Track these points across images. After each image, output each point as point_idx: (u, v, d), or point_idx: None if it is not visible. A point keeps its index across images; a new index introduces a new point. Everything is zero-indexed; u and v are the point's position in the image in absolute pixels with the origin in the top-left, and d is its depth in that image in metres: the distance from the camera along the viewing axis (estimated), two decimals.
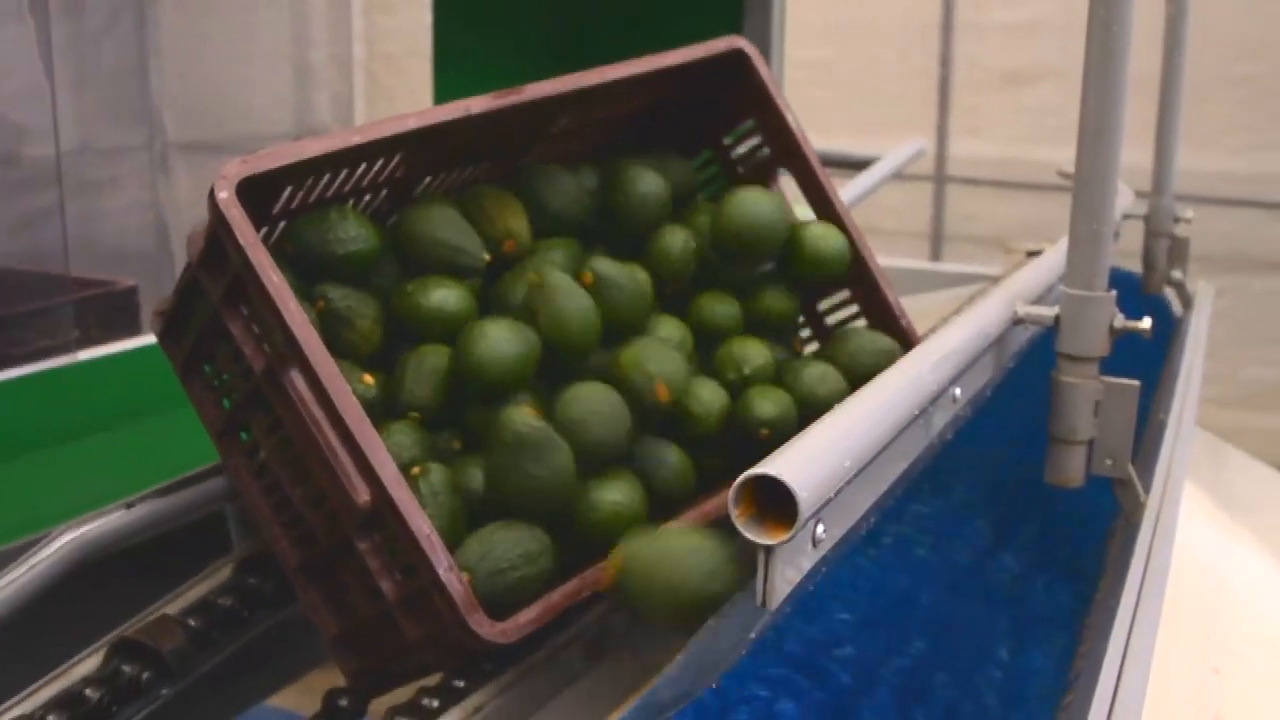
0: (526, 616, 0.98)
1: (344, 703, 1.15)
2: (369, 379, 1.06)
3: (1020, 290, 1.13)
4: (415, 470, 1.00)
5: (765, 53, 2.04)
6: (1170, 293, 2.00)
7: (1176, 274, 1.95)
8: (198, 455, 1.31)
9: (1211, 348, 4.21)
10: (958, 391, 0.94)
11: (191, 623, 1.17)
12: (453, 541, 0.98)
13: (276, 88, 4.23)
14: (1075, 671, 0.90)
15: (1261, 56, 4.03)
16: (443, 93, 2.01)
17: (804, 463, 0.63)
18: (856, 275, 1.28)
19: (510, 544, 0.99)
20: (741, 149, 1.34)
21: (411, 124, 1.03)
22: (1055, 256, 1.24)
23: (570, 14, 2.13)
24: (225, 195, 0.94)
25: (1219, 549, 2.01)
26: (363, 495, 0.96)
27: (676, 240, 1.21)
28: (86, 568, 1.14)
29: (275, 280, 0.94)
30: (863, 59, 4.24)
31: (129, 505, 1.18)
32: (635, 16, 2.10)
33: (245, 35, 4.12)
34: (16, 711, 1.03)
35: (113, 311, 3.51)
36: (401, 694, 1.10)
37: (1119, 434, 1.07)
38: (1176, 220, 1.94)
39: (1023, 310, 1.08)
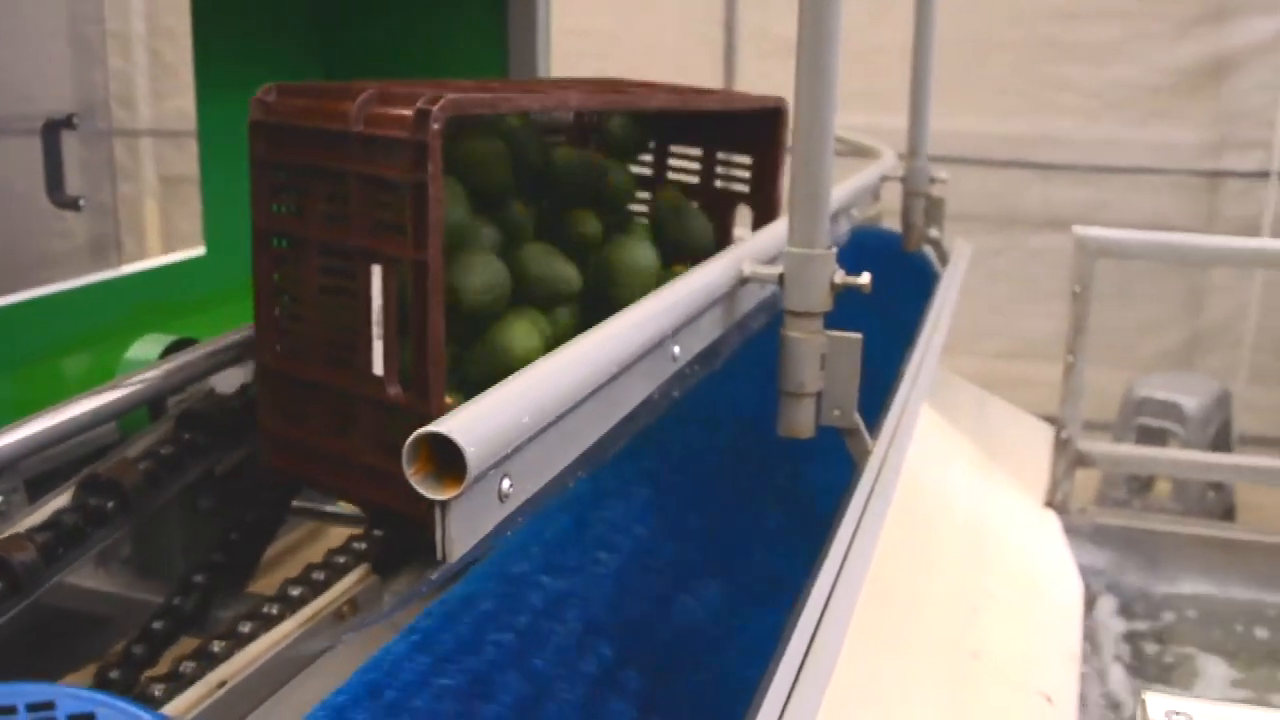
0: None
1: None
2: None
3: (751, 251, 1.17)
4: (449, 400, 1.12)
5: (531, 22, 2.06)
6: (930, 250, 2.08)
7: (934, 232, 2.02)
8: None
9: (992, 303, 4.40)
10: (677, 349, 0.97)
11: None
12: None
13: (53, 65, 4.07)
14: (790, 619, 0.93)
15: (1030, 22, 4.20)
16: (203, 72, 1.97)
17: (477, 419, 0.64)
18: None
19: None
20: (729, 170, 1.59)
21: (573, 100, 1.30)
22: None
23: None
24: (437, 127, 1.05)
25: (980, 495, 2.10)
26: (395, 390, 1.12)
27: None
28: None
29: (438, 214, 1.06)
30: (647, 27, 4.29)
31: None
32: None
33: (16, 9, 3.95)
34: None
35: None
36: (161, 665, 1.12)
37: (844, 386, 1.11)
38: (932, 181, 2.01)
39: (749, 269, 1.12)
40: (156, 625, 1.27)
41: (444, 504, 0.63)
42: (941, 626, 1.71)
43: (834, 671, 0.80)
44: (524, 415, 0.67)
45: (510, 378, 0.71)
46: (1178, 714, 0.65)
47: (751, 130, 1.55)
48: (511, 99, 1.17)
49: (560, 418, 0.73)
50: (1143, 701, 0.65)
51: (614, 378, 0.82)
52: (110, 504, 1.26)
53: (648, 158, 1.66)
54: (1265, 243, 3.03)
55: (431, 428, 0.62)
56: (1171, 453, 2.95)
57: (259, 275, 1.23)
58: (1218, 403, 3.63)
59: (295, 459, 1.25)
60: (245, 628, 1.12)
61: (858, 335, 1.10)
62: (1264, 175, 4.22)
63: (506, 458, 0.66)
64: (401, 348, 1.13)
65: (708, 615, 1.01)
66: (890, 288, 1.91)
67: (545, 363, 0.74)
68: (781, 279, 1.09)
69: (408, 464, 0.62)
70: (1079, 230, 2.11)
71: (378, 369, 1.13)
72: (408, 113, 1.07)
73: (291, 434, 1.24)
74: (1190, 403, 3.53)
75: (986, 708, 1.58)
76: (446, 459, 0.63)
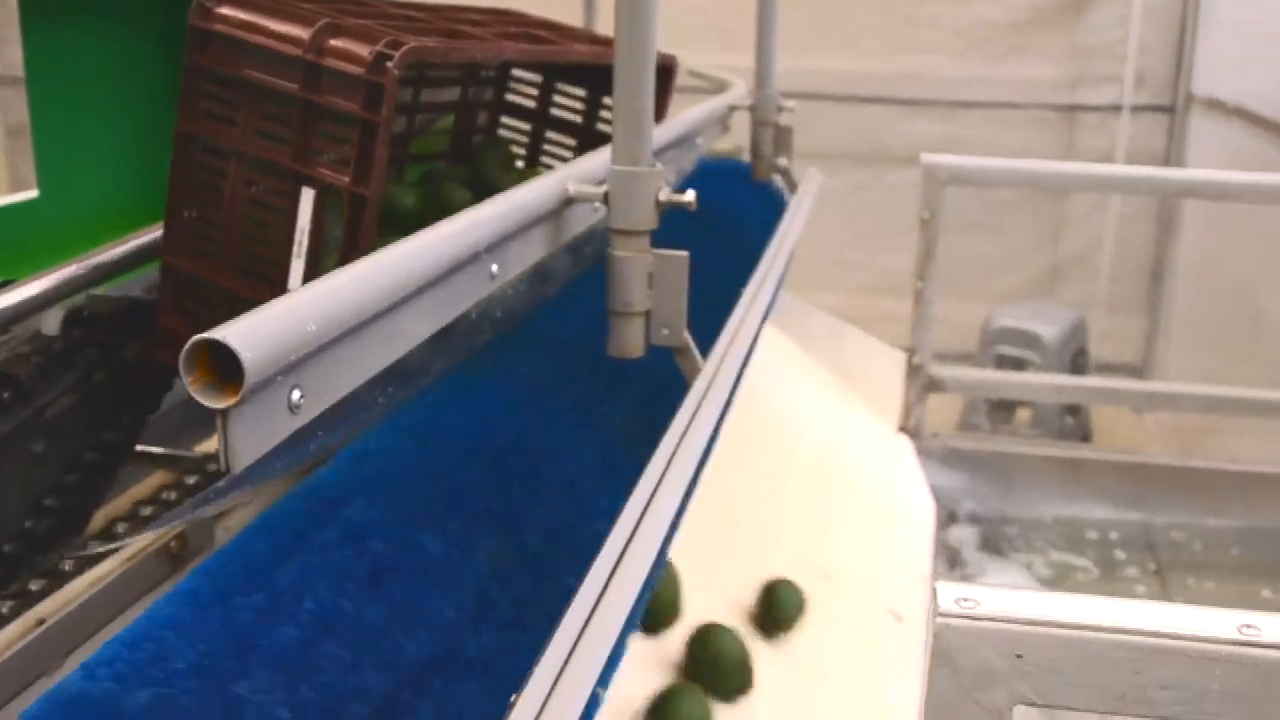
0: None
1: None
2: None
3: (578, 171, 1.16)
4: None
5: None
6: (780, 179, 2.09)
7: (782, 161, 2.03)
8: None
9: (855, 239, 4.45)
10: (495, 267, 0.96)
11: None
12: None
13: None
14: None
15: None
16: (27, 4, 1.90)
17: (258, 326, 0.63)
18: None
19: None
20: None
21: (509, 52, 1.37)
22: None
23: None
24: (397, 73, 1.10)
25: (834, 421, 2.13)
26: None
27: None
28: None
29: (381, 155, 1.11)
30: None
31: None
32: None
33: None
34: None
35: None
36: None
37: (672, 304, 1.11)
38: (780, 109, 2.02)
39: (574, 188, 1.11)
40: None
41: (223, 413, 0.61)
42: (793, 548, 1.73)
43: (642, 584, 0.80)
44: (310, 323, 0.65)
45: (304, 286, 0.70)
46: (965, 599, 0.67)
47: None
48: (460, 49, 1.25)
49: (359, 328, 0.72)
50: (934, 590, 0.67)
51: (421, 291, 0.81)
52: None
53: (534, 92, 1.72)
54: (1098, 168, 3.11)
55: (207, 334, 0.61)
56: (1019, 376, 3.02)
57: (175, 176, 1.26)
58: (1074, 331, 3.73)
59: (169, 348, 1.26)
60: (67, 565, 1.09)
61: (684, 253, 1.10)
62: (1117, 109, 4.32)
63: (294, 367, 0.65)
64: (320, 272, 1.14)
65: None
66: (739, 215, 1.93)
67: (342, 272, 0.73)
68: (606, 198, 1.09)
69: (185, 373, 0.61)
70: (927, 158, 2.14)
71: (294, 288, 1.14)
72: (364, 52, 1.12)
73: (191, 335, 1.24)
74: (1047, 331, 3.61)
75: (837, 626, 1.61)
76: (227, 367, 0.61)
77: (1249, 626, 0.66)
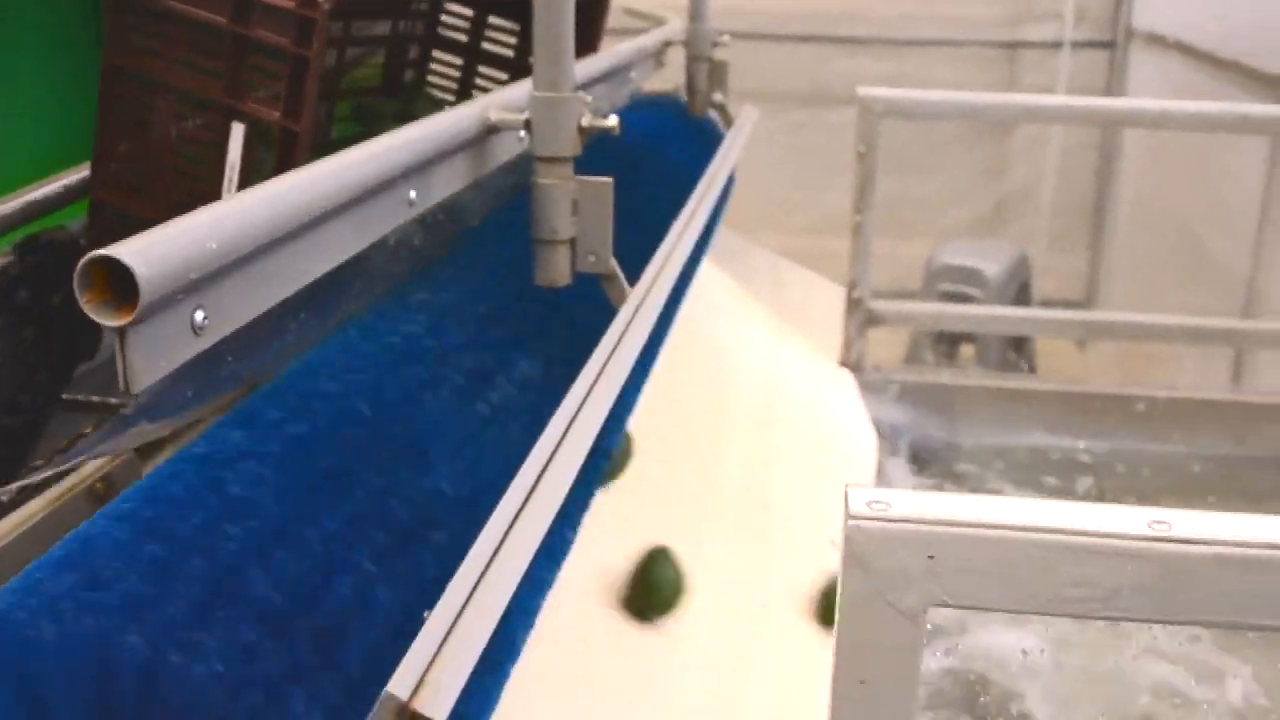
0: None
1: None
2: None
3: (500, 99, 1.15)
4: None
5: None
6: (716, 115, 2.08)
7: (718, 96, 2.02)
8: None
9: (797, 179, 4.43)
10: (413, 194, 0.95)
11: None
12: None
13: None
14: None
15: None
16: None
17: (156, 244, 0.62)
18: None
19: None
20: None
21: None
22: None
23: None
24: (327, 6, 1.10)
25: (774, 355, 2.14)
26: None
27: None
28: None
29: (312, 90, 1.12)
30: None
31: None
32: None
33: None
34: None
35: None
36: None
37: (598, 231, 1.11)
38: (714, 44, 2.01)
39: (495, 116, 1.10)
40: None
41: (121, 331, 0.60)
42: (733, 480, 1.74)
43: (557, 504, 0.79)
44: (210, 241, 0.64)
45: (208, 205, 0.69)
46: (877, 502, 0.67)
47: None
48: None
49: (267, 250, 0.71)
50: (845, 494, 0.67)
51: (333, 215, 0.80)
52: None
53: (465, 25, 1.71)
54: (1034, 98, 3.12)
55: (102, 251, 0.59)
56: (957, 308, 3.03)
57: (103, 110, 1.25)
58: (1017, 267, 3.74)
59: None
60: None
61: (608, 179, 1.09)
62: (1057, 45, 4.33)
63: (196, 287, 0.64)
64: None
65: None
66: (674, 150, 1.92)
67: (247, 193, 0.72)
68: (529, 125, 1.08)
69: (81, 291, 0.60)
70: (863, 91, 2.13)
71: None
72: None
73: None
74: (990, 268, 3.63)
75: (776, 554, 1.62)
76: (125, 286, 0.60)
77: (1159, 522, 0.67)
